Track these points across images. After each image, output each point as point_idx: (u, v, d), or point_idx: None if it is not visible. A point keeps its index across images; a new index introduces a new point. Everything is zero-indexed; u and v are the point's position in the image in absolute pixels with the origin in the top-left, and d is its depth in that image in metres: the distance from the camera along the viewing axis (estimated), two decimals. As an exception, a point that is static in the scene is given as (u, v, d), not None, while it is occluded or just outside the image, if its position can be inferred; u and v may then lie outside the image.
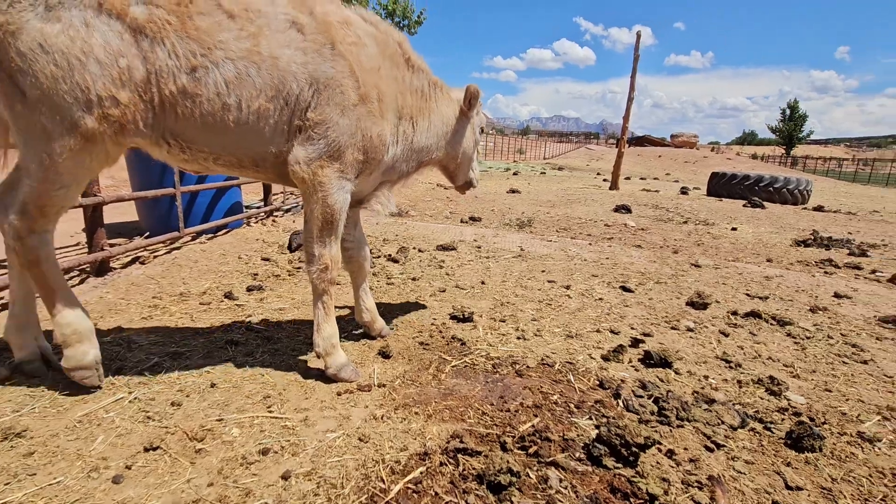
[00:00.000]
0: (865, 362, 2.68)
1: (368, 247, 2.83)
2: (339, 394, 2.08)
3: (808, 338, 3.01)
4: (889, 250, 6.71)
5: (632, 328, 3.05)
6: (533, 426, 1.85)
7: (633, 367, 2.49)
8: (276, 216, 6.90)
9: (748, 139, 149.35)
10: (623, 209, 9.79)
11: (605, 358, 2.56)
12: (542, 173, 24.49)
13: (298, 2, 1.98)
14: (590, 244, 5.92)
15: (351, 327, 2.87)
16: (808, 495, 1.57)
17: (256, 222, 6.41)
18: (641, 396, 2.12)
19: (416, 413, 1.93)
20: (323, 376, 2.22)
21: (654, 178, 27.22)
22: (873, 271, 5.35)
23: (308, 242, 2.16)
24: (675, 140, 61.12)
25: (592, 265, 4.74)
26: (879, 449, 1.83)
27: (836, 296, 4.02)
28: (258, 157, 2.04)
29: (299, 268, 4.20)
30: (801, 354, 2.76)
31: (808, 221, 9.36)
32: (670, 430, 1.88)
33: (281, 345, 2.59)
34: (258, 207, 6.99)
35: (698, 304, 3.55)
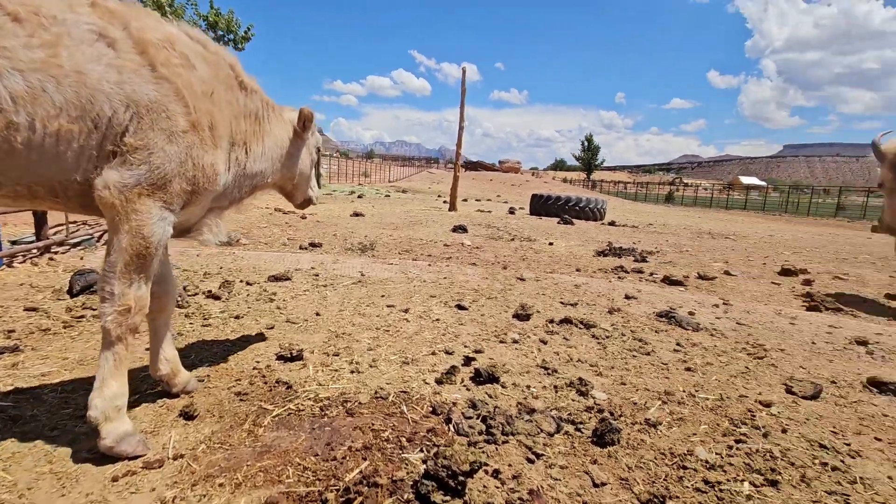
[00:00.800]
0: (649, 353, 3.19)
1: (176, 281, 2.38)
2: (115, 479, 1.64)
3: (607, 337, 3.47)
4: (661, 255, 8.36)
5: (465, 346, 3.13)
6: (361, 472, 1.70)
7: (465, 386, 2.53)
8: (56, 253, 5.55)
9: (559, 165, 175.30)
10: (460, 229, 10.41)
11: (439, 381, 2.56)
12: (386, 196, 24.86)
13: (107, 12, 1.70)
14: (429, 265, 6.07)
15: (147, 386, 2.36)
16: (611, 489, 1.73)
17: (24, 262, 5.06)
18: (471, 417, 2.14)
19: (221, 485, 1.62)
20: (96, 455, 1.75)
21: (488, 200, 29.83)
22: (651, 273, 6.56)
23: (107, 278, 1.75)
24: (503, 165, 68.44)
25: (431, 286, 4.84)
26: (661, 431, 2.14)
27: (627, 297, 4.78)
28: (59, 187, 1.70)
29: (82, 316, 3.39)
30: (602, 353, 3.15)
31: (605, 234, 11.18)
32: (496, 449, 1.92)
33: (36, 424, 1.98)
34: (28, 242, 5.55)
35: (522, 315, 3.85)
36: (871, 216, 27.71)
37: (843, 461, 1.96)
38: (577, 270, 6.72)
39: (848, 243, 11.77)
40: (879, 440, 2.19)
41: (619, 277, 6.29)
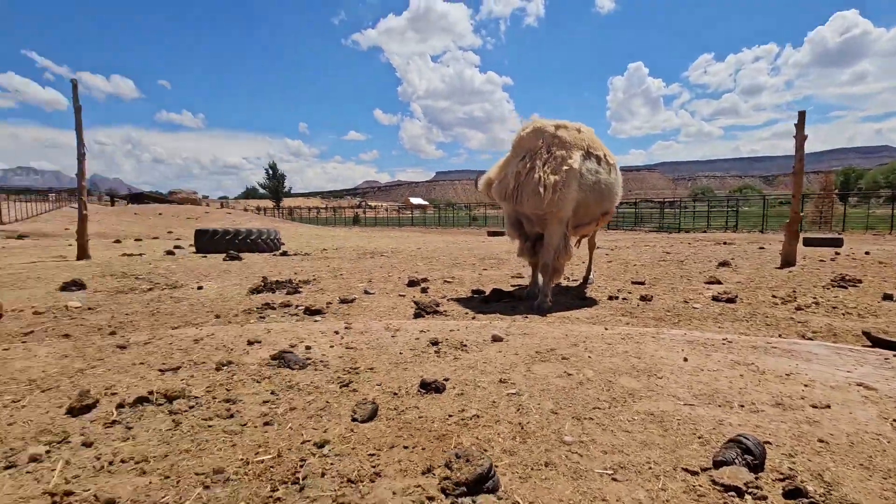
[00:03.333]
0: (232, 416, 2.87)
1: None
2: None
3: (188, 409, 2.98)
4: (316, 283, 8.54)
5: None
6: None
7: None
8: None
9: (251, 194, 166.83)
10: (74, 286, 8.01)
11: None
12: (-28, 247, 17.38)
13: None
14: (-34, 356, 4.19)
15: None
16: None
17: None
18: None
19: None
20: None
21: (154, 238, 25.14)
22: (297, 306, 6.50)
23: None
24: (176, 196, 59.62)
25: (-61, 395, 3.24)
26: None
27: (250, 342, 4.43)
28: None
29: None
30: (161, 439, 2.63)
31: (271, 268, 10.79)
32: None
33: None
34: None
35: (79, 408, 2.94)
36: (493, 224, 37.32)
37: (361, 491, 2.07)
38: (217, 317, 6.03)
39: (466, 247, 15.19)
40: (406, 448, 2.48)
41: (261, 317, 5.96)
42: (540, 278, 7.01)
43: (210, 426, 2.75)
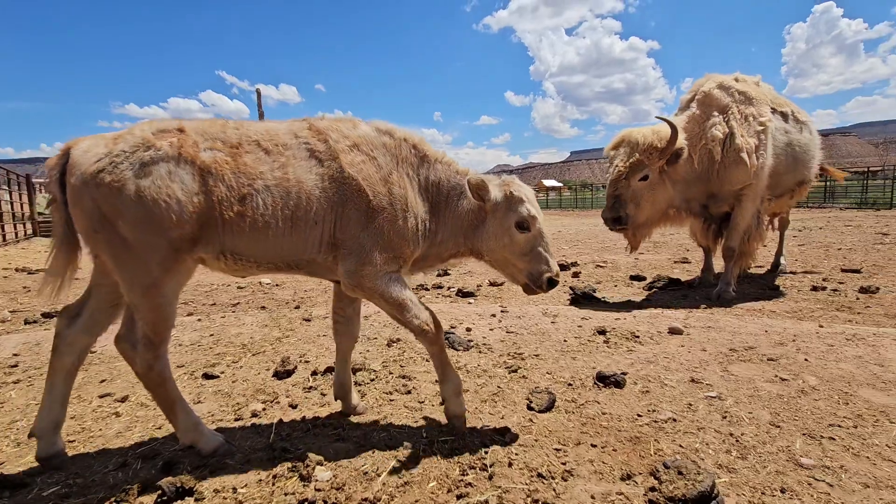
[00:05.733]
0: (409, 391, 2.95)
1: None
2: None
3: (371, 381, 3.15)
4: (461, 267, 8.68)
5: None
6: None
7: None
8: None
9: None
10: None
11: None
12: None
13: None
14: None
15: None
16: None
17: None
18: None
19: None
20: None
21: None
22: (449, 287, 6.65)
23: None
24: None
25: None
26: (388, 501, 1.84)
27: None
28: None
29: None
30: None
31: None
32: None
33: None
34: None
35: (283, 374, 3.32)
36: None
37: (555, 489, 1.90)
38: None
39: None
40: (594, 446, 2.25)
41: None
42: (716, 264, 6.03)
43: (392, 400, 2.86)
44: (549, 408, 2.64)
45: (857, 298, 5.11)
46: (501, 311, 4.90)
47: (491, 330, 4.27)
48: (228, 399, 2.96)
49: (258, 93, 14.85)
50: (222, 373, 3.42)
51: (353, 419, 2.61)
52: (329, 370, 3.34)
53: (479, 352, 3.70)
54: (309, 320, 4.91)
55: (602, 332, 4.00)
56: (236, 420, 2.66)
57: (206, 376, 3.33)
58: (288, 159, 2.20)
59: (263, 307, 5.94)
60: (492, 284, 6.75)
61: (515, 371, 3.23)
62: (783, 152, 5.68)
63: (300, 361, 3.59)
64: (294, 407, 2.81)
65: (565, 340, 3.88)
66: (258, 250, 2.18)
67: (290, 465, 2.09)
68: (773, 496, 1.84)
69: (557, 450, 2.21)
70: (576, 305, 5.35)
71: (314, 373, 3.32)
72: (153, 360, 2.09)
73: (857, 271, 6.45)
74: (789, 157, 5.77)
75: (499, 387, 2.98)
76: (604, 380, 2.95)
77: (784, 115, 5.84)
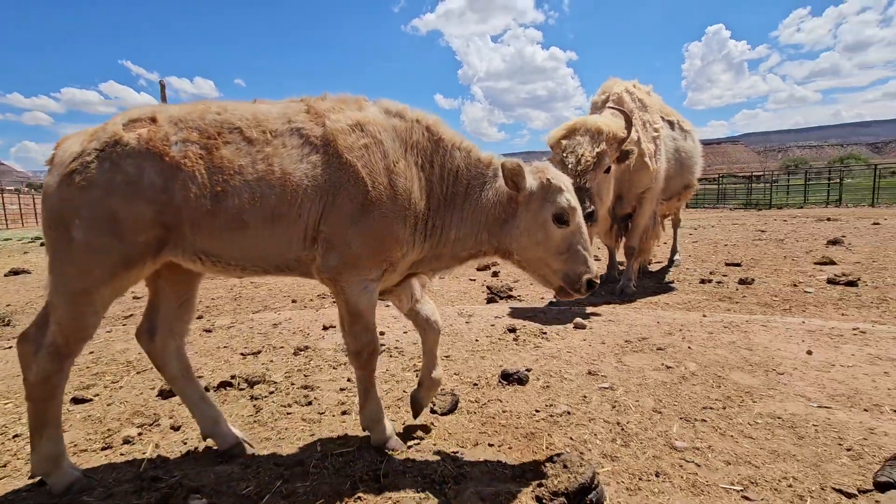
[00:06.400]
0: (310, 403, 2.81)
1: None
2: None
3: (270, 394, 2.96)
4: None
5: None
6: None
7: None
8: None
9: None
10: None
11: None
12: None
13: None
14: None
15: None
16: None
17: None
18: None
19: None
20: None
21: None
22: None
23: None
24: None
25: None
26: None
27: (325, 328, 4.44)
28: None
29: None
30: (254, 422, 2.61)
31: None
32: None
33: None
34: None
35: (168, 392, 3.02)
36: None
37: (445, 495, 1.88)
38: (294, 302, 6.17)
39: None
40: (491, 446, 2.26)
41: (334, 301, 6.00)
42: (618, 260, 6.45)
43: (289, 413, 2.70)
44: (452, 409, 2.63)
45: (737, 289, 5.69)
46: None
47: (405, 333, 4.21)
48: (99, 425, 2.64)
49: (162, 86, 13.69)
50: (97, 395, 3.06)
51: (246, 437, 2.43)
52: (224, 385, 3.10)
53: (390, 356, 3.63)
54: (210, 331, 4.57)
55: (512, 329, 4.09)
56: (104, 449, 2.37)
57: (76, 400, 2.96)
58: (275, 149, 1.96)
59: (160, 319, 5.43)
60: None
61: (423, 374, 3.19)
62: (672, 157, 6.17)
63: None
64: (177, 429, 2.56)
65: (477, 340, 3.92)
66: (236, 252, 1.99)
67: (158, 495, 1.88)
68: (649, 481, 1.95)
69: (454, 452, 2.20)
70: (492, 304, 5.44)
71: (206, 389, 3.06)
72: (53, 373, 1.88)
73: (738, 265, 7.20)
74: (677, 162, 6.29)
75: (404, 391, 2.92)
76: (508, 378, 3.00)
77: (671, 124, 6.36)
